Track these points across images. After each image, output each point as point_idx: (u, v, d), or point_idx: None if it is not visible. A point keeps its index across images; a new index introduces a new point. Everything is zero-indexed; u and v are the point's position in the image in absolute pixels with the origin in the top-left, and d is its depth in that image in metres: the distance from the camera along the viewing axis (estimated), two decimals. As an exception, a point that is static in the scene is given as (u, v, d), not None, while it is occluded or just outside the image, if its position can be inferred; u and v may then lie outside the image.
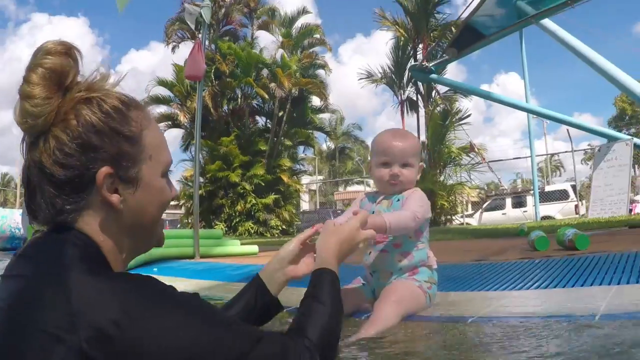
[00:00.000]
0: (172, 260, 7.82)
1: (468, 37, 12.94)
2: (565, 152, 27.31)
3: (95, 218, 1.23)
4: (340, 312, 1.63)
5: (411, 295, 2.36)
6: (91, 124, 1.18)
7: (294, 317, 1.56)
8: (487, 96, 17.02)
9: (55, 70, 1.17)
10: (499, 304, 2.59)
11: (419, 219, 2.31)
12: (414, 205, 2.35)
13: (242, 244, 10.53)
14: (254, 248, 9.69)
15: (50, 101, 1.16)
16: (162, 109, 29.08)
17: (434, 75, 16.61)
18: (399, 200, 2.45)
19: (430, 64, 15.98)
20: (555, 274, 3.39)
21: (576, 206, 21.13)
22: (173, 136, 31.30)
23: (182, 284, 4.88)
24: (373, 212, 2.44)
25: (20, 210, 13.56)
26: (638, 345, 1.62)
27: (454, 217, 23.71)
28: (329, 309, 1.54)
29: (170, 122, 28.98)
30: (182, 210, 31.26)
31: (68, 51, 1.21)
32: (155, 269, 6.56)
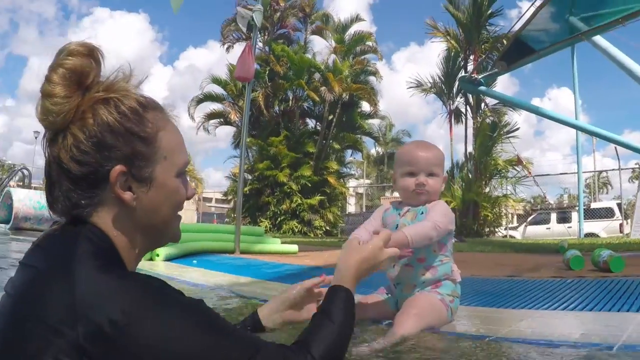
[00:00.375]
0: (213, 254, 7.89)
1: (518, 51, 12.65)
2: (613, 169, 26.57)
3: (109, 214, 1.25)
4: (349, 332, 1.58)
5: (432, 309, 2.31)
6: (107, 124, 1.20)
7: (303, 330, 1.52)
8: (535, 111, 16.64)
9: (75, 70, 1.19)
10: (520, 324, 2.52)
11: (440, 228, 2.25)
12: (436, 215, 2.31)
13: (283, 242, 10.59)
14: (294, 247, 9.77)
15: (69, 100, 1.18)
16: (214, 106, 29.78)
17: (482, 88, 16.29)
18: (423, 213, 2.40)
19: (480, 76, 15.75)
20: (584, 296, 3.28)
21: (621, 225, 20.59)
22: (225, 133, 31.80)
23: (218, 279, 4.94)
24: (397, 225, 2.42)
25: None
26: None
27: (497, 229, 23.38)
28: (338, 327, 1.51)
29: (222, 120, 29.66)
30: (231, 205, 31.67)
31: (90, 53, 1.22)
32: (194, 261, 6.68)
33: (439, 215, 2.30)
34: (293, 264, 6.64)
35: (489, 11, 22.24)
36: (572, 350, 1.92)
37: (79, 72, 1.20)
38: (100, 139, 1.20)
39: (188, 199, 1.42)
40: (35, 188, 20.84)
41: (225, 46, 30.18)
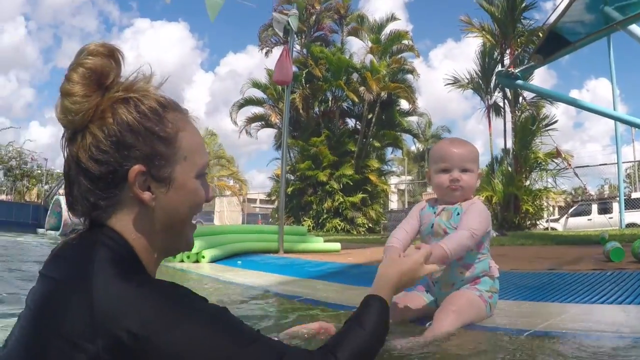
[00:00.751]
0: (257, 254, 7.94)
1: (554, 43, 12.39)
2: (652, 159, 25.96)
3: (128, 215, 1.23)
4: (379, 341, 1.54)
5: (471, 305, 2.32)
6: (126, 123, 1.19)
7: (332, 335, 1.52)
8: (572, 103, 16.30)
9: (95, 70, 1.18)
10: (559, 318, 2.49)
11: (477, 236, 2.26)
12: (473, 221, 2.28)
13: (326, 241, 10.59)
14: (337, 245, 9.77)
15: (89, 99, 1.17)
16: (256, 109, 29.86)
17: (520, 82, 16.07)
18: (458, 214, 2.39)
19: (517, 70, 15.53)
20: (624, 289, 3.22)
21: (663, 215, 20.11)
22: (267, 135, 31.91)
23: (262, 279, 4.96)
24: (432, 225, 2.44)
25: None
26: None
27: (538, 222, 23.00)
28: (368, 335, 1.47)
29: (263, 122, 29.69)
30: (275, 205, 31.82)
31: (110, 53, 1.22)
32: (239, 262, 6.69)
33: (476, 222, 2.29)
34: (335, 262, 6.64)
35: (523, 4, 21.82)
36: (614, 342, 1.90)
37: (99, 71, 1.19)
38: (120, 138, 1.18)
39: (207, 201, 1.39)
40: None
41: (264, 51, 30.13)
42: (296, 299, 3.43)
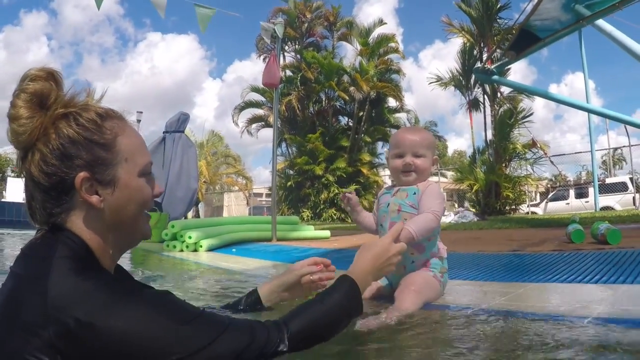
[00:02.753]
0: (252, 242, 7.93)
1: (525, 40, 12.33)
2: (624, 146, 25.93)
3: (81, 218, 1.27)
4: (337, 319, 1.54)
5: (428, 285, 2.29)
6: (67, 136, 1.23)
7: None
8: (545, 95, 16.28)
9: (36, 93, 1.21)
10: (507, 297, 2.37)
11: (439, 217, 2.23)
12: (432, 203, 2.25)
13: (322, 229, 10.65)
14: (326, 233, 9.91)
15: (32, 120, 1.21)
16: (256, 111, 30.58)
17: (495, 77, 16.08)
18: (415, 193, 2.34)
19: (492, 66, 15.52)
20: (576, 268, 3.09)
21: (634, 198, 20.09)
22: (268, 135, 32.32)
23: (252, 264, 5.04)
24: (388, 204, 2.41)
25: None
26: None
27: (519, 207, 22.99)
28: (325, 311, 1.49)
29: (263, 123, 30.40)
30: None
31: (49, 76, 1.25)
32: (234, 250, 6.84)
33: (436, 204, 2.26)
34: (321, 247, 6.63)
35: (498, 5, 21.78)
36: (546, 322, 1.82)
37: (39, 94, 1.22)
38: (63, 151, 1.22)
39: (155, 197, 1.42)
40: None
41: (262, 57, 30.83)
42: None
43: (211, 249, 6.91)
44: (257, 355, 1.26)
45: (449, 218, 15.99)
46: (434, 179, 37.57)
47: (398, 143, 2.43)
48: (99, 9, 7.64)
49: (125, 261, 5.76)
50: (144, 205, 1.37)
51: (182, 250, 6.86)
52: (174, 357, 1.12)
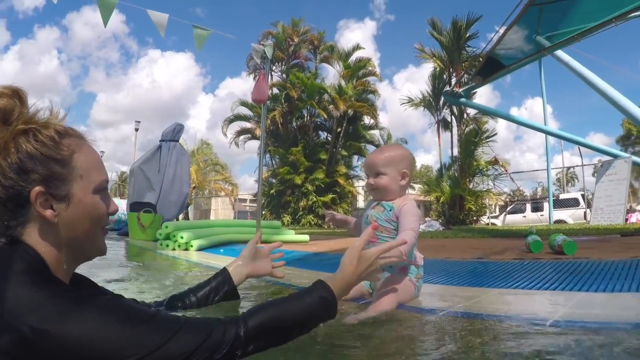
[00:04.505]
0: (239, 244, 7.94)
1: (491, 67, 12.56)
2: (577, 166, 26.44)
3: (36, 231, 1.23)
4: (302, 322, 1.43)
5: (404, 288, 2.27)
6: (25, 151, 1.20)
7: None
8: (507, 117, 16.55)
9: (0, 109, 1.20)
10: (472, 301, 2.35)
11: (417, 232, 2.20)
12: (410, 221, 2.23)
13: (299, 233, 10.67)
14: (306, 237, 9.95)
15: None
16: (244, 124, 31.01)
17: (463, 99, 16.34)
18: (390, 210, 2.32)
19: (460, 90, 15.69)
20: (535, 276, 3.08)
21: (585, 212, 20.36)
22: (255, 146, 32.62)
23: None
24: (367, 216, 2.41)
25: (126, 200, 14.19)
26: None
27: (480, 218, 23.18)
28: (289, 313, 1.40)
29: (250, 135, 30.91)
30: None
31: (14, 93, 1.23)
32: (222, 250, 6.82)
33: (413, 221, 2.23)
34: (301, 250, 6.59)
35: (467, 34, 22.13)
36: (507, 324, 1.80)
37: (3, 110, 1.20)
38: (20, 165, 1.19)
39: (110, 214, 1.36)
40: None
41: (251, 75, 31.27)
42: (264, 280, 3.33)
43: (201, 249, 6.93)
44: (212, 351, 1.20)
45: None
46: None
47: (364, 165, 2.47)
48: (105, 26, 7.61)
49: (121, 254, 6.01)
50: (98, 221, 1.32)
51: (174, 249, 6.87)
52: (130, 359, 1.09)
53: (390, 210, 2.31)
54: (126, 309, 1.18)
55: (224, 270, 2.13)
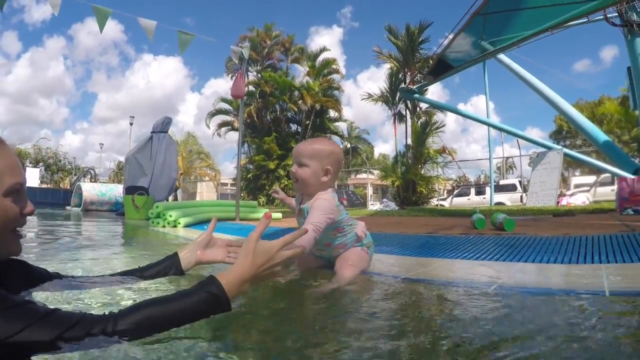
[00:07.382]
0: (220, 221, 7.95)
1: (441, 67, 12.62)
2: (515, 156, 27.03)
3: None
4: (180, 319, 1.18)
5: (361, 258, 2.23)
6: None
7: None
8: (455, 111, 16.76)
9: None
10: (426, 268, 2.36)
11: (320, 229, 1.92)
12: (314, 215, 1.96)
13: (273, 212, 10.65)
14: (279, 215, 9.98)
15: None
16: (224, 117, 31.46)
17: (416, 95, 16.44)
18: (307, 212, 2.07)
19: (414, 87, 15.76)
20: (480, 249, 3.13)
21: (521, 196, 20.78)
22: (234, 137, 32.80)
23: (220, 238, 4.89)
24: (300, 209, 2.21)
25: (122, 185, 14.46)
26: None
27: (430, 200, 23.43)
28: (170, 310, 1.16)
29: (230, 127, 31.19)
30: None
31: None
32: (205, 227, 6.61)
33: (317, 216, 1.95)
34: (273, 226, 6.55)
35: (420, 39, 22.21)
36: (456, 289, 1.83)
37: None
38: None
39: (27, 214, 1.27)
40: (100, 183, 24.27)
41: (230, 76, 31.65)
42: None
43: (187, 225, 7.02)
44: (74, 340, 1.04)
45: (375, 207, 16.29)
46: (365, 175, 37.92)
47: (292, 152, 2.20)
48: (101, 32, 7.63)
49: (119, 230, 5.86)
50: (10, 222, 1.22)
51: (164, 226, 6.93)
52: None
53: (307, 212, 2.07)
54: (20, 307, 1.04)
55: (175, 255, 1.88)
